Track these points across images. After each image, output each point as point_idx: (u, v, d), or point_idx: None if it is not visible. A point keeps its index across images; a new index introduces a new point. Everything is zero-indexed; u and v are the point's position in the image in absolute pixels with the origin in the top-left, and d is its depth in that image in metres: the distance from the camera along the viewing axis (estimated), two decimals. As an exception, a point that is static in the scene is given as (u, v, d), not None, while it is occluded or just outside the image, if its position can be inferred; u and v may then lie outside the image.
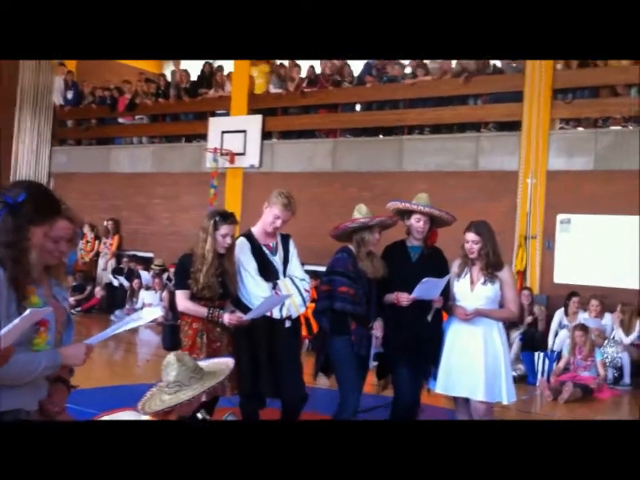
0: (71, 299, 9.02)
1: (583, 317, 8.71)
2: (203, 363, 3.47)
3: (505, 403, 4.56)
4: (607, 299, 8.88)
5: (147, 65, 16.77)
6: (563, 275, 9.70)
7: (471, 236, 4.57)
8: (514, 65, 10.44)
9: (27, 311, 1.91)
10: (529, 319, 9.05)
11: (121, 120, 14.54)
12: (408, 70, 11.40)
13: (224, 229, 4.33)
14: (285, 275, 4.61)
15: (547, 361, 8.38)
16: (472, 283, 4.61)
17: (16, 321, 1.87)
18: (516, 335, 8.75)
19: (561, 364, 8.13)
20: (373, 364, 4.73)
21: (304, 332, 7.62)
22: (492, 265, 4.55)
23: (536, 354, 8.49)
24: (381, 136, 11.68)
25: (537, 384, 8.07)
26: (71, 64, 15.41)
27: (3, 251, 2.35)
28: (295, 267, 4.69)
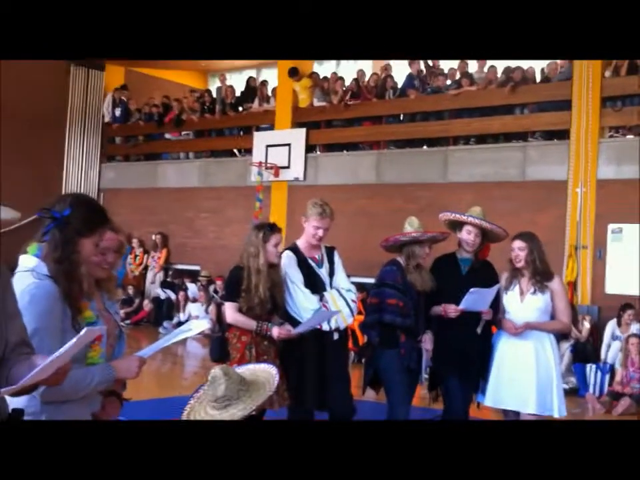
0: (121, 312, 9.15)
1: (637, 328, 8.50)
2: (242, 369, 3.44)
3: (556, 416, 4.46)
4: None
5: (192, 82, 17.04)
6: (615, 285, 9.48)
7: (517, 243, 4.52)
8: (560, 71, 10.29)
9: (83, 331, 1.92)
10: (576, 332, 8.86)
11: (167, 136, 14.79)
12: (449, 81, 11.34)
13: (274, 238, 4.35)
14: (331, 287, 4.61)
15: (599, 373, 8.19)
16: (521, 293, 4.53)
17: (72, 340, 1.89)
18: (567, 346, 8.57)
19: (618, 378, 7.92)
20: (425, 377, 4.69)
21: (350, 344, 7.61)
22: (540, 273, 4.48)
23: (588, 366, 8.30)
24: (425, 147, 11.62)
25: (586, 397, 7.89)
26: (119, 81, 15.75)
27: (55, 266, 2.36)
28: (341, 279, 4.68)
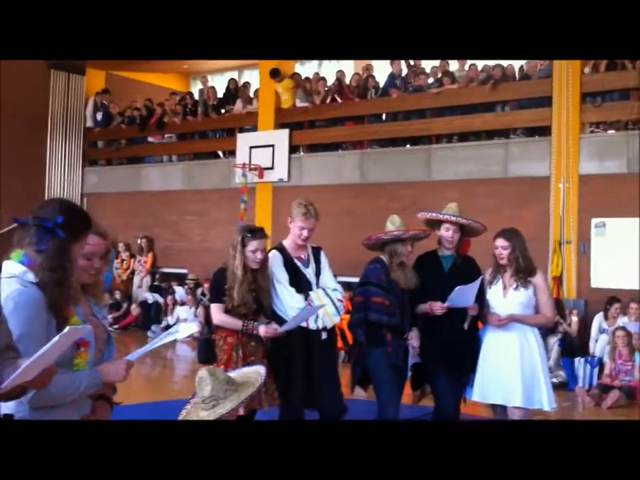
0: (109, 317, 9.12)
1: (623, 321, 8.58)
2: (233, 374, 3.46)
3: (546, 409, 4.50)
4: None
5: (174, 84, 16.99)
6: (600, 279, 9.56)
7: (500, 242, 4.57)
8: (540, 68, 10.37)
9: (66, 329, 1.91)
10: (565, 326, 8.93)
11: (150, 139, 14.74)
12: (431, 79, 11.39)
13: (253, 244, 4.34)
14: (317, 287, 4.63)
15: (587, 367, 8.25)
16: (504, 288, 4.58)
17: (55, 338, 1.88)
18: (555, 340, 8.63)
19: (607, 371, 7.99)
20: (409, 374, 4.71)
21: (339, 344, 7.62)
22: (522, 270, 4.53)
23: (576, 360, 8.36)
24: (408, 146, 11.66)
25: (575, 391, 7.95)
26: (100, 84, 15.68)
27: (48, 274, 2.34)
28: (327, 278, 4.70)
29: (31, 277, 2.36)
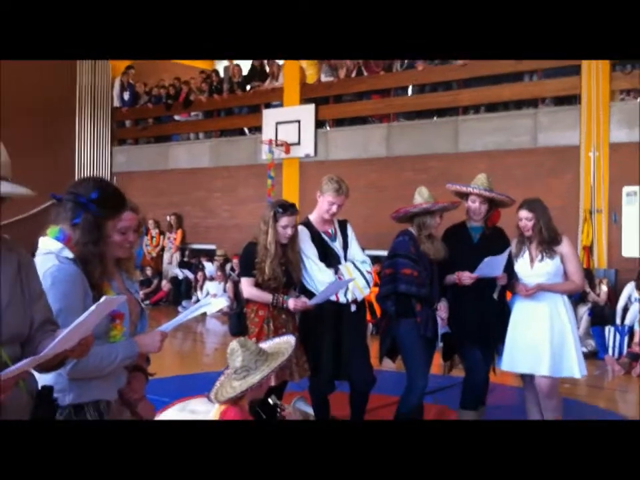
0: (140, 293, 9.30)
1: (654, 290, 8.51)
2: (264, 345, 3.52)
3: (577, 377, 4.51)
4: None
5: (199, 62, 16.99)
6: (631, 248, 9.45)
7: (523, 213, 4.55)
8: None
9: (102, 298, 1.96)
10: (594, 296, 8.88)
11: (177, 117, 14.81)
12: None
13: (284, 220, 4.38)
14: (345, 260, 4.66)
15: (617, 336, 8.21)
16: (531, 260, 4.57)
17: (92, 307, 1.93)
18: (584, 310, 8.59)
19: (637, 339, 7.95)
20: (439, 345, 4.73)
21: (368, 316, 7.66)
22: (547, 240, 4.52)
23: (606, 328, 8.32)
24: (435, 118, 11.56)
25: (605, 359, 7.92)
26: (125, 63, 15.76)
27: (84, 249, 2.40)
28: (355, 251, 4.72)
29: (67, 252, 2.42)
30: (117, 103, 15.62)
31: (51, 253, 2.42)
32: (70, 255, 2.42)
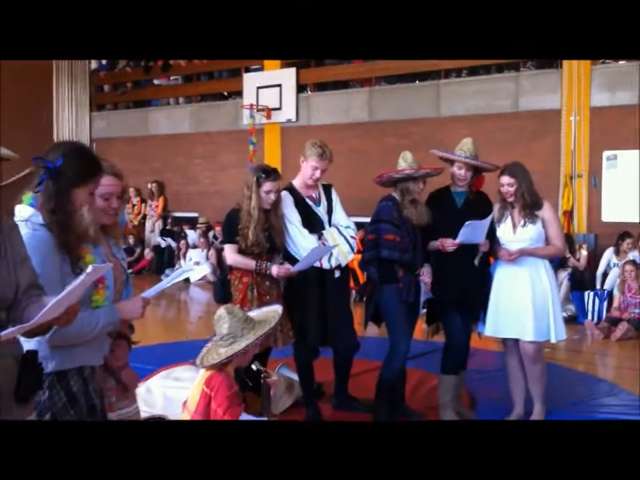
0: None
1: (634, 255, 8.61)
2: (252, 313, 3.55)
3: (553, 341, 4.56)
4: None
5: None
6: (611, 213, 9.53)
7: (505, 179, 4.55)
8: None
9: (89, 268, 1.96)
10: (574, 261, 8.97)
11: (156, 81, 14.61)
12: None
13: (267, 185, 4.37)
14: (330, 225, 4.66)
15: (597, 300, 8.32)
16: (513, 226, 4.59)
17: (80, 277, 1.92)
18: (564, 275, 8.68)
19: (615, 304, 8.07)
20: (423, 310, 4.77)
21: (351, 283, 7.69)
22: (529, 205, 4.53)
23: (586, 293, 8.43)
24: (417, 82, 11.50)
25: (584, 324, 8.04)
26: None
27: (49, 216, 2.37)
28: (340, 216, 4.72)
29: (39, 218, 2.39)
30: (94, 65, 15.34)
31: (23, 219, 2.39)
32: (42, 220, 2.39)
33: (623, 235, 8.82)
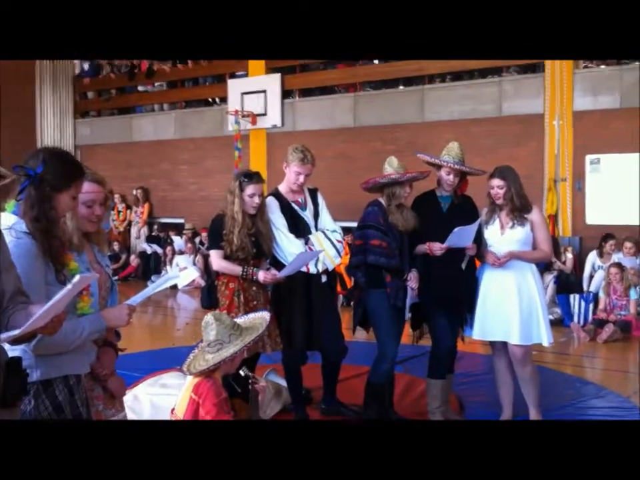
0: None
1: (618, 257, 8.67)
2: (240, 320, 3.54)
3: (544, 344, 4.58)
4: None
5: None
6: (595, 215, 9.60)
7: (495, 182, 4.57)
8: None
9: (77, 278, 1.95)
10: (560, 264, 9.03)
11: (140, 88, 14.56)
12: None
13: (250, 189, 4.37)
14: (316, 229, 4.66)
15: (583, 303, 8.37)
16: (501, 227, 4.61)
17: (68, 287, 1.92)
18: (550, 278, 8.73)
19: (601, 305, 8.12)
20: (408, 315, 4.77)
21: (338, 288, 7.70)
22: (518, 208, 4.55)
23: (572, 296, 8.48)
24: (401, 87, 11.54)
25: (571, 326, 8.08)
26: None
27: (33, 224, 2.36)
28: (326, 220, 4.73)
29: (23, 226, 2.37)
30: (77, 70, 15.25)
31: (6, 228, 2.37)
32: (26, 228, 2.37)
33: (606, 236, 8.89)
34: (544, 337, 4.54)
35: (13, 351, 2.21)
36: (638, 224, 8.94)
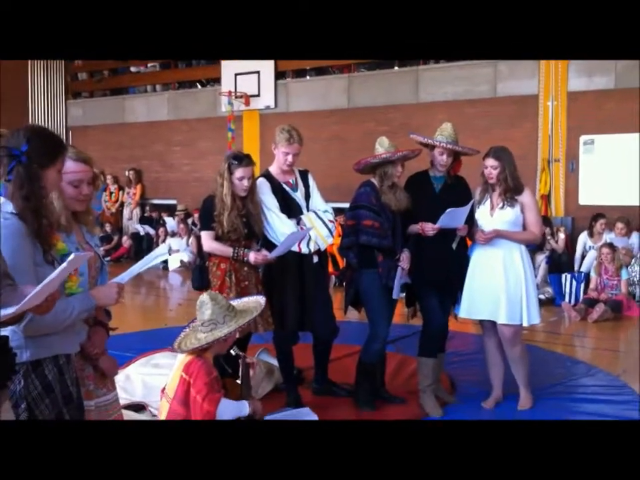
0: (101, 249, 9.17)
1: (609, 237, 8.70)
2: (235, 302, 3.56)
3: (525, 324, 4.59)
4: (633, 219, 8.86)
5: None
6: (588, 196, 9.63)
7: (490, 162, 4.56)
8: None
9: (71, 256, 1.95)
10: (553, 243, 9.06)
11: (133, 69, 14.46)
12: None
13: (239, 172, 4.35)
14: (308, 210, 4.66)
15: (574, 282, 8.42)
16: (492, 208, 4.61)
17: (62, 265, 1.91)
18: (542, 257, 8.76)
19: (592, 285, 8.16)
20: (401, 295, 4.79)
21: (330, 268, 7.71)
22: (511, 189, 4.55)
23: (563, 276, 8.52)
24: (396, 68, 11.50)
25: (562, 306, 8.12)
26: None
27: (23, 203, 2.34)
28: (317, 200, 4.73)
29: (10, 207, 2.35)
30: (70, 54, 15.14)
31: None
32: (14, 209, 2.36)
33: (597, 216, 8.93)
34: (531, 316, 4.55)
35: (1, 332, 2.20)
36: (632, 204, 8.97)
